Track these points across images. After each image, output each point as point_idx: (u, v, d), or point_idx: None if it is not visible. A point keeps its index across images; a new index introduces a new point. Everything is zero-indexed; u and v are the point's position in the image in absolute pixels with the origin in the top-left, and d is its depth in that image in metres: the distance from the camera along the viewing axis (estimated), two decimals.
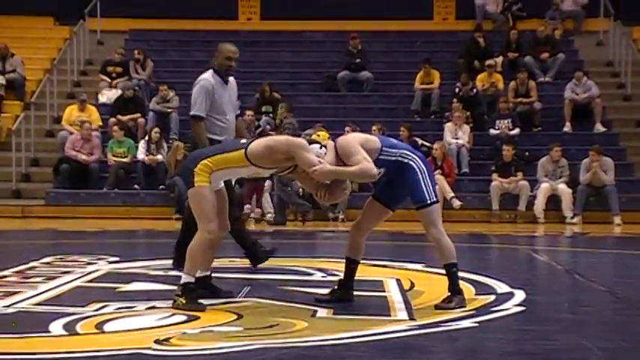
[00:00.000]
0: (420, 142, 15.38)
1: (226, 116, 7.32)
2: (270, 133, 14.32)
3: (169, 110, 16.60)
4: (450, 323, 5.27)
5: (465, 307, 5.75)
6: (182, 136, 15.63)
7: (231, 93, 7.44)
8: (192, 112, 7.27)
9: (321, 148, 5.65)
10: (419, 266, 7.90)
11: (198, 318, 5.36)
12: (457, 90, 16.53)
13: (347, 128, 15.29)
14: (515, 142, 15.42)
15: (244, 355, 4.44)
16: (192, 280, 5.70)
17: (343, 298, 6.01)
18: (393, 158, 5.77)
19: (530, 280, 7.78)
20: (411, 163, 5.79)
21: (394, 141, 5.98)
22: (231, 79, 7.45)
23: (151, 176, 15.36)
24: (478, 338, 5.05)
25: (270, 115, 16.53)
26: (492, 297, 6.25)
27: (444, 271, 5.90)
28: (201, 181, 5.59)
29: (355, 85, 18.24)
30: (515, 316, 5.63)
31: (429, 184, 5.80)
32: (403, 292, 6.50)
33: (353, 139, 5.75)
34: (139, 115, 16.45)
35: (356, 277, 6.03)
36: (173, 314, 5.47)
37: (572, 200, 14.33)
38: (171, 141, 15.88)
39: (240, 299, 6.08)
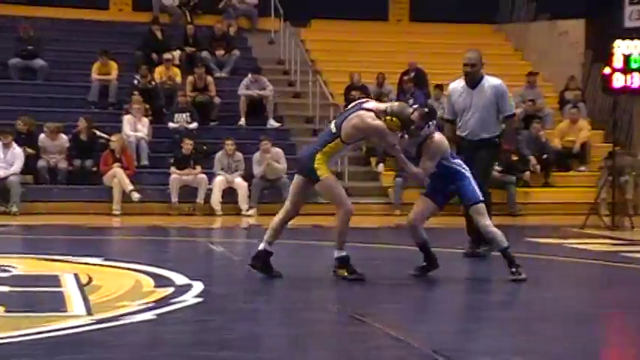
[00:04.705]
0: (98, 133, 15.10)
1: (463, 117, 8.49)
2: None
3: None
4: (128, 317, 5.24)
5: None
6: None
7: (480, 96, 8.40)
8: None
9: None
10: (98, 260, 7.76)
11: None
12: (136, 82, 16.41)
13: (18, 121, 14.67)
14: (194, 135, 15.61)
15: None
16: (345, 253, 6.66)
17: (435, 267, 7.07)
18: (454, 168, 6.94)
19: (208, 272, 7.93)
20: (463, 171, 7.01)
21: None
22: (488, 84, 8.45)
23: None
24: (157, 331, 5.07)
25: None
26: (171, 289, 6.30)
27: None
28: (324, 173, 6.62)
29: (28, 74, 17.48)
30: (193, 308, 5.71)
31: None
32: (80, 286, 6.36)
33: (447, 145, 6.94)
34: None
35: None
36: None
37: (248, 193, 14.77)
38: None
39: None
